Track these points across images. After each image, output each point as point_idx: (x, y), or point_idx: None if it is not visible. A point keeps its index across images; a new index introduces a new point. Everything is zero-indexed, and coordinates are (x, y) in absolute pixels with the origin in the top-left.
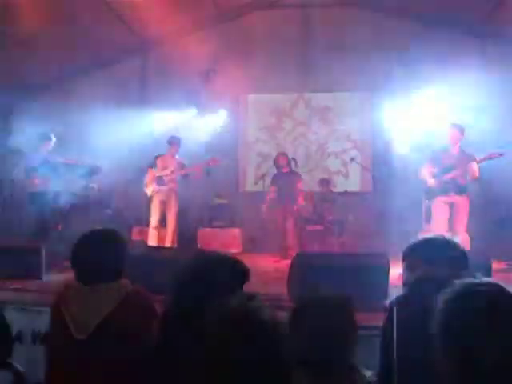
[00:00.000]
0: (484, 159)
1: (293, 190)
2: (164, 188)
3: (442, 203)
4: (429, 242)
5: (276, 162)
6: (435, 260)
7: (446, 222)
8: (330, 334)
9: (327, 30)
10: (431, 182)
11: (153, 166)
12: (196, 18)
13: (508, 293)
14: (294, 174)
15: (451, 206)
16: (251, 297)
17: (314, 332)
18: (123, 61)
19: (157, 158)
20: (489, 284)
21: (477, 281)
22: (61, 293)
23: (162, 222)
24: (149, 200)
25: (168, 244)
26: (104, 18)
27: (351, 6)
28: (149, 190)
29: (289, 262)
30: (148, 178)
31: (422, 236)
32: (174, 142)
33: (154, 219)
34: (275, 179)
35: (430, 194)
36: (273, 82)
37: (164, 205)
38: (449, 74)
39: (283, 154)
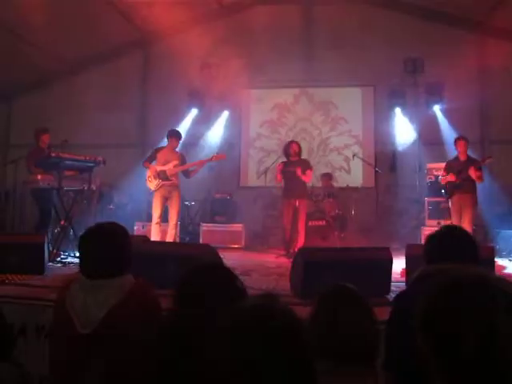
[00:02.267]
0: (481, 163)
1: (302, 181)
2: (167, 183)
3: (458, 200)
4: (445, 234)
5: (287, 150)
6: (448, 253)
7: (459, 217)
8: (355, 327)
9: (329, 24)
10: (453, 178)
11: (151, 159)
12: (198, 13)
13: (491, 283)
14: (303, 163)
15: (463, 202)
16: (271, 297)
17: (337, 327)
18: (124, 55)
19: (156, 151)
20: (471, 274)
21: (460, 271)
22: (64, 287)
23: (164, 217)
24: (151, 195)
25: (170, 239)
26: (105, 12)
27: (353, 1)
28: (152, 185)
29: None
30: (150, 172)
31: (439, 227)
32: (174, 135)
33: (156, 214)
34: (284, 164)
35: (448, 192)
36: (275, 76)
37: (166, 200)
38: (450, 70)
39: (295, 142)
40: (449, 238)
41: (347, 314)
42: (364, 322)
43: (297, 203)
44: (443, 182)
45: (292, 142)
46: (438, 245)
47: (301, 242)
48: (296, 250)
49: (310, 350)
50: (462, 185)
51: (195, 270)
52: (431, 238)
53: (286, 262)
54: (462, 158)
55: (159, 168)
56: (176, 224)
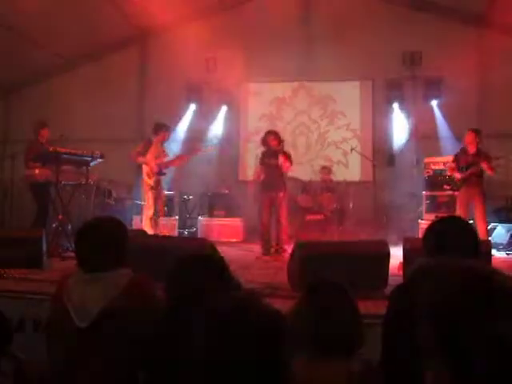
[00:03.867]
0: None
1: (280, 173)
2: (161, 177)
3: (464, 194)
4: (443, 226)
5: (265, 142)
6: (447, 245)
7: (467, 210)
8: (338, 318)
9: (328, 18)
10: (458, 176)
11: (143, 153)
12: (195, 6)
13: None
14: (284, 152)
15: (471, 197)
16: (248, 293)
17: (322, 316)
18: (122, 50)
19: (147, 145)
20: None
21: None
22: (62, 281)
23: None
24: (147, 189)
25: (163, 230)
26: (101, 7)
27: None
28: (151, 181)
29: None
30: (148, 167)
31: (437, 218)
32: (162, 128)
33: (152, 210)
34: (264, 158)
35: (456, 185)
36: (273, 70)
37: (156, 194)
38: (448, 63)
39: (273, 133)
40: (447, 229)
41: (331, 311)
42: (348, 318)
43: (276, 196)
44: (450, 172)
45: (268, 133)
46: (437, 236)
47: (286, 236)
48: (282, 246)
49: (283, 351)
50: (468, 179)
51: (181, 260)
52: (428, 229)
53: (284, 256)
54: (471, 150)
55: (154, 163)
56: (162, 214)
